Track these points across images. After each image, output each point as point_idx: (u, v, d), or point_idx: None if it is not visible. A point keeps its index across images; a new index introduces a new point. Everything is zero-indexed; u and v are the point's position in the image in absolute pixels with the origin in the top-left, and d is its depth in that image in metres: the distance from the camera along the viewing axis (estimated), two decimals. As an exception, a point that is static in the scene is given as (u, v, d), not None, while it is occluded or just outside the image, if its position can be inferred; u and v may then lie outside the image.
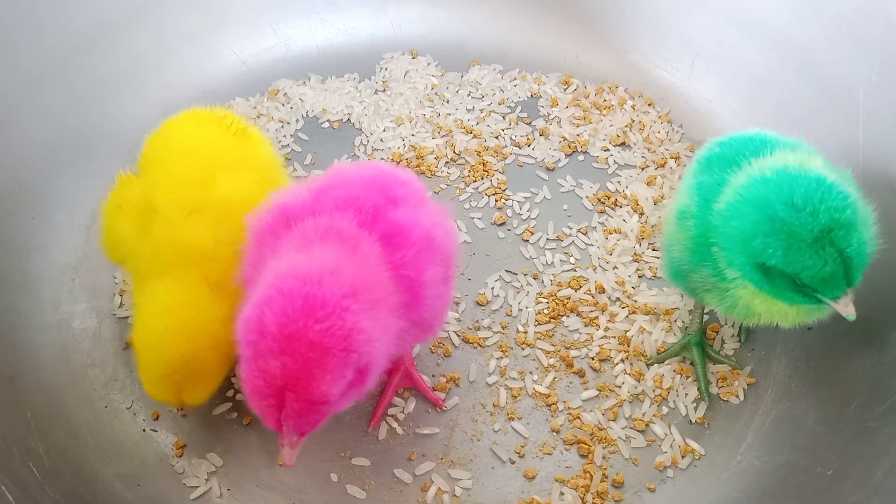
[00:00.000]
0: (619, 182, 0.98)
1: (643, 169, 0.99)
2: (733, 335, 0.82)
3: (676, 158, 1.00)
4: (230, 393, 0.79)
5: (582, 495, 0.71)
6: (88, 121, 0.98)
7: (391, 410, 0.77)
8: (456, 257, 0.68)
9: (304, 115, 1.07)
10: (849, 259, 0.58)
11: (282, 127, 1.05)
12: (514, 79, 1.11)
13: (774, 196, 0.59)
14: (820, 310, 0.65)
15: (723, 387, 0.79)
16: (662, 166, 0.99)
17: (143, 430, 0.77)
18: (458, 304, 0.85)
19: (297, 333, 0.51)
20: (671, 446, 0.75)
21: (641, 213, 0.94)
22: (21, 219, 0.88)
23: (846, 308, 0.60)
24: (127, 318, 0.85)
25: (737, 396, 0.78)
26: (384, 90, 1.11)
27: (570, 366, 0.81)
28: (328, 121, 1.07)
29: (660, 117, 1.05)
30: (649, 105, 1.06)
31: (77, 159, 0.95)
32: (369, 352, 0.53)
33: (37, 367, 0.78)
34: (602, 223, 0.93)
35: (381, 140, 1.04)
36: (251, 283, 0.62)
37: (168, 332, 0.64)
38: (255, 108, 1.07)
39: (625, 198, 0.96)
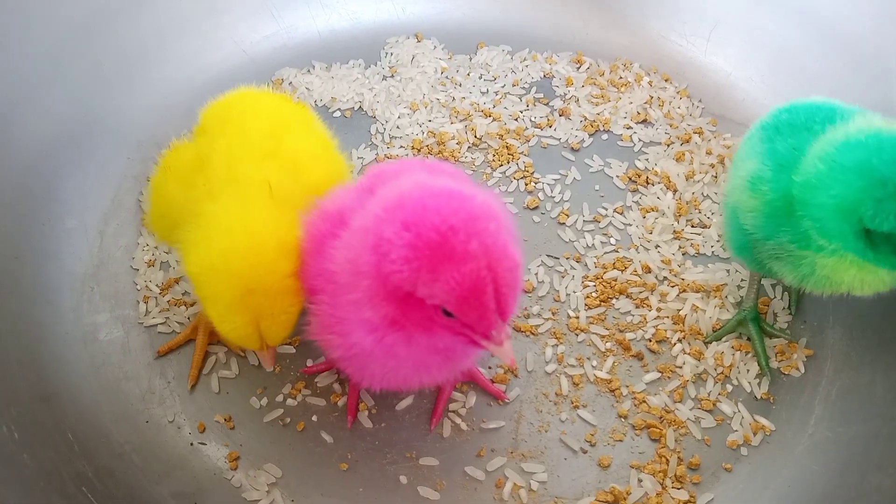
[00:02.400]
0: (647, 160, 0.96)
1: (669, 145, 0.98)
2: (784, 308, 0.82)
3: (700, 133, 0.99)
4: (280, 398, 0.75)
5: (661, 480, 0.70)
6: (89, 118, 0.92)
7: (452, 406, 0.74)
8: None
9: (314, 105, 1.03)
10: None
11: (294, 117, 1.00)
12: (525, 59, 1.09)
13: (877, 159, 0.57)
14: None
15: (782, 360, 0.78)
16: (687, 142, 0.98)
17: (191, 445, 0.72)
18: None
19: (469, 216, 0.50)
20: (741, 424, 0.74)
21: (675, 190, 0.92)
22: (31, 226, 0.82)
23: None
24: (155, 326, 0.80)
25: (797, 369, 0.77)
26: (392, 76, 1.07)
27: (627, 349, 0.79)
28: (339, 109, 1.03)
29: (678, 92, 1.04)
30: (666, 80, 1.05)
31: (81, 159, 0.89)
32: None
33: (68, 385, 0.73)
34: (637, 202, 0.92)
35: (398, 127, 1.00)
36: (317, 293, 0.59)
37: (231, 245, 0.57)
38: (261, 98, 1.02)
39: (656, 175, 0.94)
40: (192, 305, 0.81)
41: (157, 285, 0.83)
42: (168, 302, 0.82)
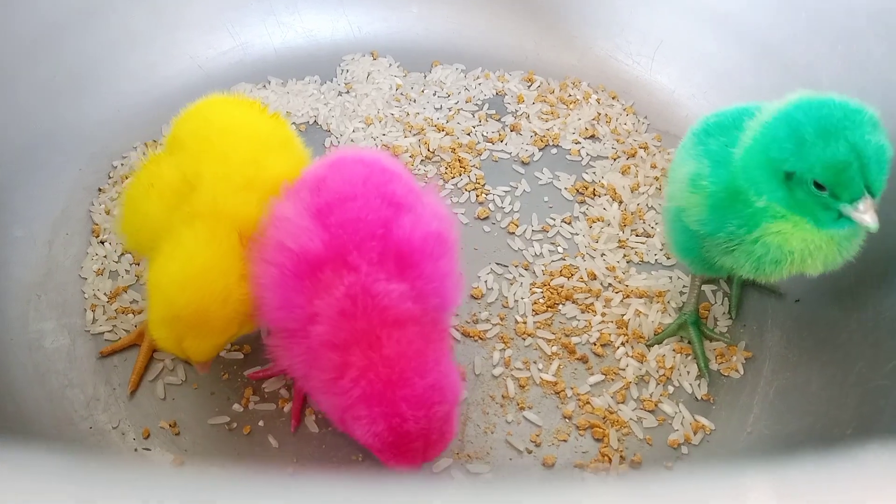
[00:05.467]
0: (594, 173, 0.99)
1: (615, 159, 1.01)
2: (724, 312, 0.84)
3: (645, 148, 1.02)
4: (226, 404, 0.75)
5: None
6: (41, 129, 0.92)
7: (399, 409, 0.75)
8: (457, 237, 0.67)
9: (269, 119, 1.04)
10: (865, 156, 0.58)
11: (248, 130, 1.01)
12: (478, 77, 1.11)
13: (795, 109, 0.62)
14: (850, 243, 0.66)
15: (722, 363, 0.80)
16: (633, 156, 1.01)
17: (135, 450, 0.72)
18: (453, 298, 0.84)
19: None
20: (682, 424, 0.75)
21: (620, 202, 0.95)
22: (-23, 235, 0.81)
23: (865, 215, 0.59)
24: (102, 333, 0.80)
25: (737, 371, 0.79)
26: (348, 91, 1.09)
27: (572, 353, 0.80)
28: (294, 123, 1.04)
29: (625, 109, 1.07)
30: (613, 98, 1.08)
31: (32, 169, 0.89)
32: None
33: (11, 391, 0.72)
34: (584, 212, 0.94)
35: (352, 140, 1.02)
36: (278, 324, 0.61)
37: (181, 274, 0.61)
38: (216, 112, 1.03)
39: (602, 187, 0.97)
40: (139, 313, 0.81)
41: (104, 294, 0.83)
42: (115, 310, 0.82)
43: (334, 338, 0.57)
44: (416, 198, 0.65)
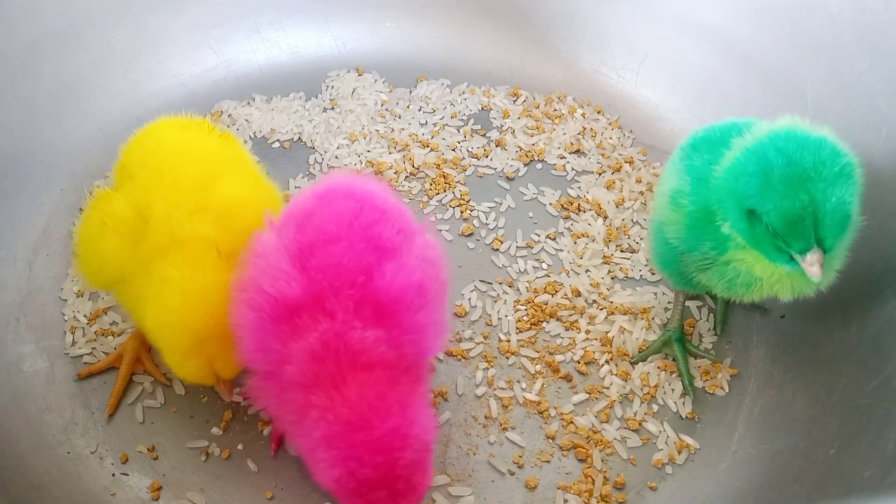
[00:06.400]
0: (579, 188, 0.98)
1: (600, 174, 1.00)
2: (709, 329, 0.83)
3: (630, 162, 1.02)
4: (205, 427, 0.74)
5: (586, 500, 0.70)
6: (20, 148, 0.92)
7: (380, 431, 0.74)
8: (447, 281, 0.66)
9: (252, 136, 1.04)
10: (821, 212, 0.58)
11: (231, 148, 1.01)
12: (463, 92, 1.11)
13: (772, 145, 0.61)
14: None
15: (707, 380, 0.79)
16: (618, 170, 1.01)
17: (113, 475, 0.71)
18: (436, 317, 0.83)
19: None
20: (666, 443, 0.74)
21: (605, 217, 0.95)
22: (-45, 257, 0.80)
23: (811, 267, 0.59)
24: (81, 356, 0.79)
25: (722, 389, 0.78)
26: (333, 108, 1.08)
27: (556, 371, 0.80)
28: (278, 140, 1.04)
29: (610, 124, 1.07)
30: (599, 112, 1.08)
31: (12, 189, 0.89)
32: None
33: (-14, 416, 0.71)
34: (569, 228, 0.94)
35: (336, 157, 1.02)
36: (255, 365, 0.61)
37: (185, 303, 0.61)
38: (199, 130, 1.02)
39: (587, 202, 0.96)
40: (119, 335, 0.80)
41: (84, 315, 0.82)
42: (95, 332, 0.81)
43: (302, 378, 0.56)
44: (404, 240, 0.62)
